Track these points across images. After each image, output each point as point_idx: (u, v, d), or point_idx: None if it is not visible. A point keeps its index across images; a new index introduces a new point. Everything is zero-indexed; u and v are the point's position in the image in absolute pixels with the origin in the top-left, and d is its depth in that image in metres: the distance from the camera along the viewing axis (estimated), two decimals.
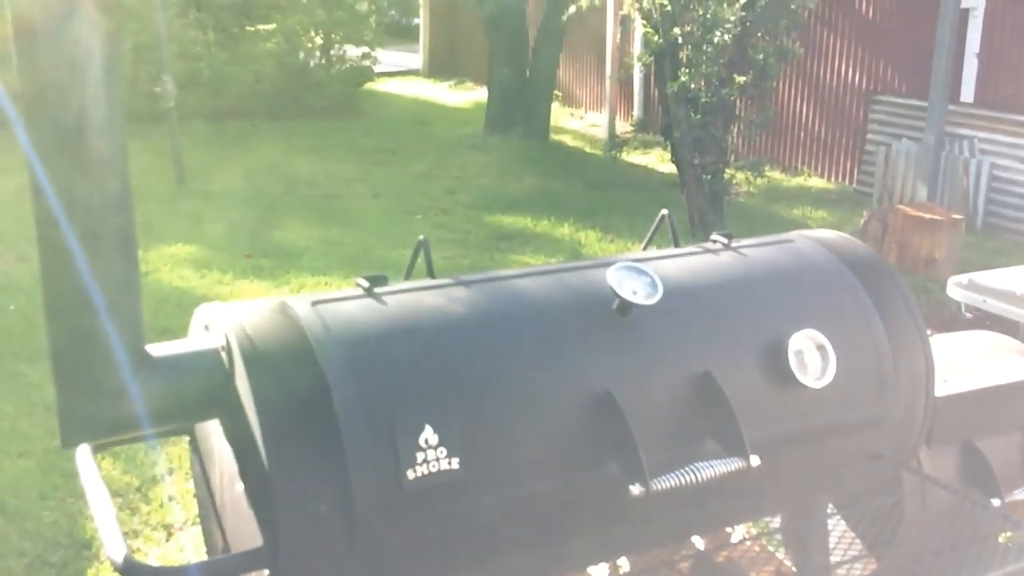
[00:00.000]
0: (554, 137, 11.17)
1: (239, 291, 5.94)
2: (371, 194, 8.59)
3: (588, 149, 10.83)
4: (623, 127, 11.55)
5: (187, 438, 2.08)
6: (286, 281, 6.16)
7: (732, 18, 6.61)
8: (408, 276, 2.08)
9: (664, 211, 2.33)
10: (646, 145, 10.70)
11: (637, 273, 1.92)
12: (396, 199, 8.42)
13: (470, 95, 13.95)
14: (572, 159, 10.37)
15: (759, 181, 8.20)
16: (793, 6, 6.87)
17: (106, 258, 1.54)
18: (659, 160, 10.03)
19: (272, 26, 11.43)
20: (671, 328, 1.94)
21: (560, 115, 12.23)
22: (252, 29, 11.34)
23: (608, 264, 1.96)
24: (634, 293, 1.89)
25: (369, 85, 12.95)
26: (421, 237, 2.04)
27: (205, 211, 7.59)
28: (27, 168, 1.51)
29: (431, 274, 2.01)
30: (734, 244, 2.23)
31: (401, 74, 15.30)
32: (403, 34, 17.24)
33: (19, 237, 6.49)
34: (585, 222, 7.77)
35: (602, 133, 11.33)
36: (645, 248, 2.38)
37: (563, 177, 9.39)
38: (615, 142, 10.71)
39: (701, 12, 6.69)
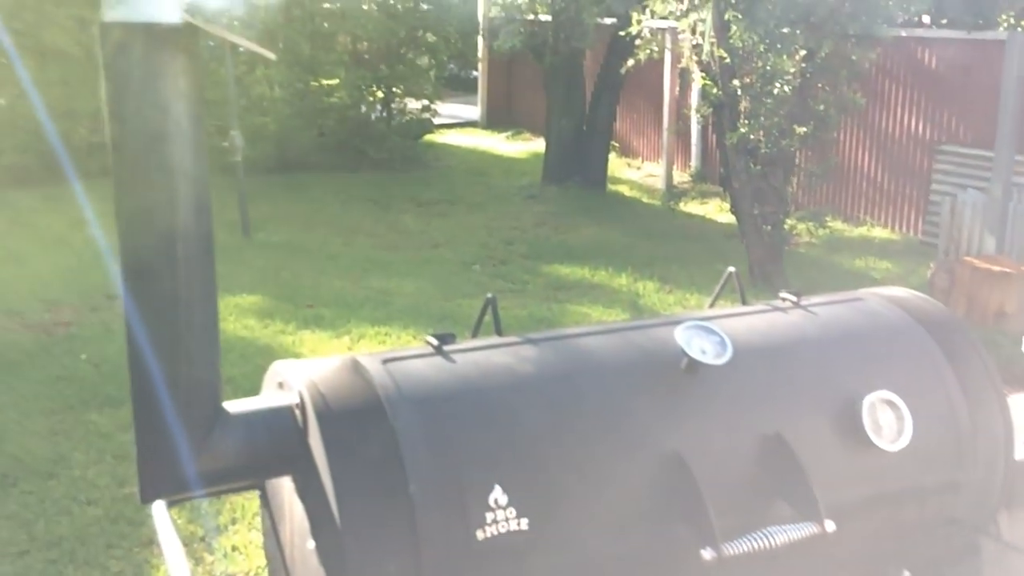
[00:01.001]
0: (611, 187, 11.20)
1: (301, 341, 6.02)
2: (430, 244, 8.68)
3: (646, 199, 10.83)
4: (680, 177, 11.54)
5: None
6: (347, 331, 6.22)
7: (792, 70, 6.60)
8: (476, 333, 2.10)
9: (731, 269, 2.32)
10: (704, 195, 10.67)
11: (706, 332, 1.92)
12: (455, 250, 8.49)
13: (527, 146, 14.09)
14: (630, 209, 10.38)
15: (821, 232, 8.11)
16: (854, 57, 6.84)
17: (188, 322, 1.59)
18: (717, 210, 9.98)
19: (336, 81, 11.72)
20: (741, 388, 1.92)
21: (617, 165, 12.27)
22: (317, 84, 11.64)
23: (676, 322, 1.96)
24: (703, 352, 1.88)
25: (428, 137, 13.16)
26: (489, 295, 2.06)
27: (269, 262, 7.74)
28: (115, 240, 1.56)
29: (499, 332, 2.03)
30: (803, 302, 2.21)
31: (460, 126, 15.54)
32: (462, 86, 17.55)
33: (91, 288, 6.68)
34: (643, 272, 7.74)
35: (659, 183, 11.34)
36: (711, 306, 2.36)
37: (621, 227, 9.39)
38: (673, 192, 10.71)
39: (761, 64, 6.69)
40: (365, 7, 11.62)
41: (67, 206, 8.80)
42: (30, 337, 5.80)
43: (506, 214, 9.83)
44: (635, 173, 12.34)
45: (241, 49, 9.03)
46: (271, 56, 2.20)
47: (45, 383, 5.13)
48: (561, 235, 9.11)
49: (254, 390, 5.10)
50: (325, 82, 11.74)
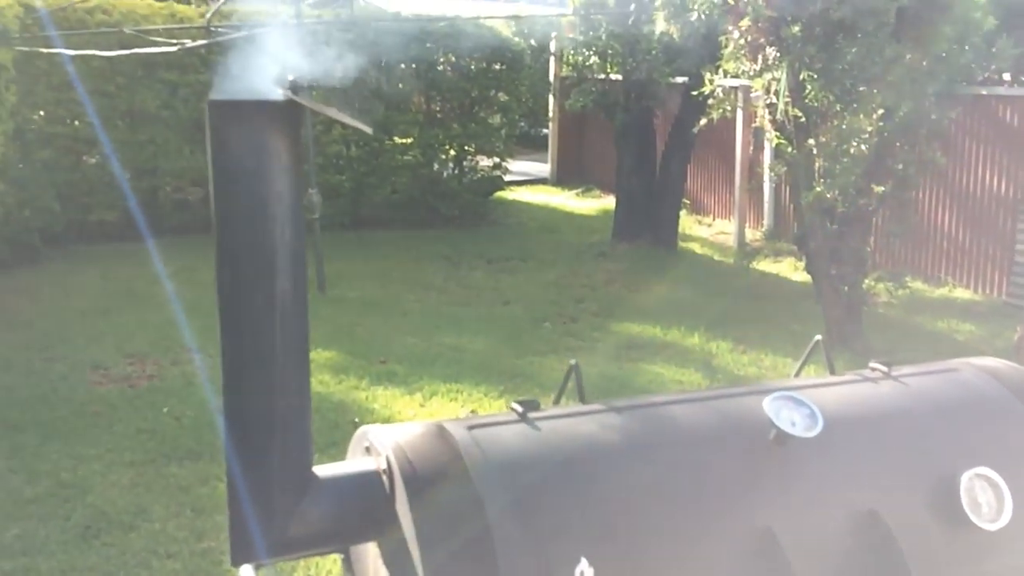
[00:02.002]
0: (682, 245, 11.15)
1: (375, 396, 6.08)
2: (501, 301, 8.72)
3: (717, 257, 10.75)
4: (753, 235, 11.44)
5: None
6: (419, 387, 6.26)
7: (869, 128, 6.52)
8: (558, 400, 2.10)
9: (817, 337, 2.28)
10: (777, 253, 10.54)
11: (795, 403, 1.88)
12: (525, 307, 8.51)
13: (597, 203, 14.15)
14: (701, 267, 10.31)
15: (900, 292, 7.92)
16: (934, 116, 6.74)
17: (283, 387, 1.62)
18: (791, 269, 9.85)
19: (409, 140, 11.97)
20: (833, 462, 1.88)
21: (688, 223, 12.23)
22: (391, 143, 11.90)
23: (763, 391, 1.93)
24: (793, 424, 1.84)
25: (499, 194, 13.31)
26: (572, 362, 2.06)
27: (343, 318, 7.87)
28: (216, 311, 1.61)
29: (583, 399, 2.02)
30: (894, 373, 2.16)
31: (530, 183, 15.70)
32: (532, 144, 17.77)
33: (173, 341, 6.87)
34: (716, 332, 7.64)
35: (731, 241, 11.25)
36: (797, 374, 2.32)
37: (692, 286, 9.32)
38: (745, 251, 10.60)
39: (837, 123, 6.64)
40: (440, 68, 11.88)
41: (150, 261, 9.10)
42: (115, 390, 5.97)
43: (576, 271, 9.84)
44: (706, 230, 12.27)
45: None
46: (368, 130, 2.29)
47: (128, 436, 5.26)
48: (632, 293, 9.07)
49: (328, 445, 5.13)
50: (399, 141, 11.99)
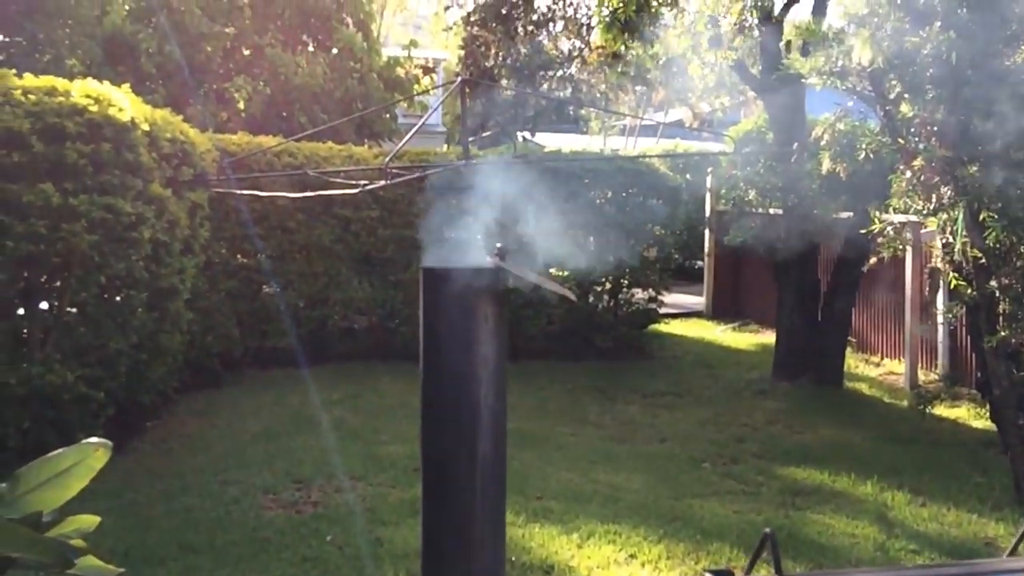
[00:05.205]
0: (848, 385, 10.69)
1: (531, 535, 6.00)
2: (657, 438, 8.55)
3: (887, 399, 10.21)
4: (926, 376, 10.84)
5: None
6: (575, 527, 6.15)
7: None
8: (751, 569, 2.01)
9: None
10: (954, 397, 9.91)
11: None
12: (682, 444, 8.31)
13: (755, 338, 13.83)
14: (870, 409, 9.81)
15: None
16: None
17: (481, 554, 1.63)
18: (971, 415, 9.23)
19: (566, 273, 12.16)
20: None
21: (853, 361, 11.75)
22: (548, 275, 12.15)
23: (978, 573, 1.79)
24: None
25: (654, 327, 13.24)
26: (767, 530, 1.98)
27: None
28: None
29: (779, 570, 1.94)
30: None
31: (684, 316, 15.56)
32: (686, 276, 17.71)
33: (337, 468, 7.05)
34: (890, 481, 7.20)
35: (902, 382, 10.69)
36: (1013, 553, 2.14)
37: (861, 429, 8.87)
38: (919, 393, 10.04)
39: (1021, 264, 6.30)
40: (598, 201, 12.15)
41: (318, 386, 9.50)
42: (283, 515, 6.15)
43: (735, 409, 9.57)
44: (874, 370, 11.73)
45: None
46: (572, 296, 2.35)
47: (294, 563, 5.37)
48: (796, 434, 8.71)
49: None
50: (556, 273, 12.20)
